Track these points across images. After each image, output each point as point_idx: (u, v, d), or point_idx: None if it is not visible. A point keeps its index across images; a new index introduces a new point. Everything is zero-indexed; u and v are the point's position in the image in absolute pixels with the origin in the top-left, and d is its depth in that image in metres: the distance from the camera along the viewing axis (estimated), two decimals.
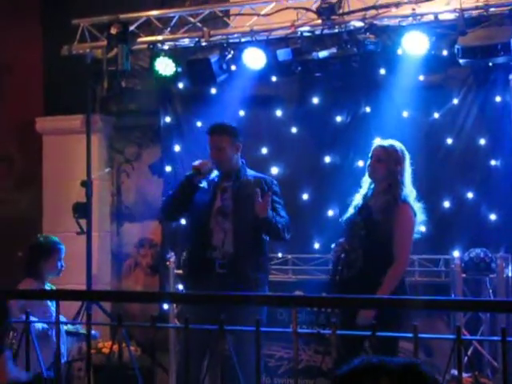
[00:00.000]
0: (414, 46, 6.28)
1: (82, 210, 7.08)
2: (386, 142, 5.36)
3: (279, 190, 5.62)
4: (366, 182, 5.38)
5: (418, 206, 5.28)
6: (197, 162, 5.41)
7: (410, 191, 5.27)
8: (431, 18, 6.27)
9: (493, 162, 6.43)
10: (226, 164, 5.47)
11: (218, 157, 5.45)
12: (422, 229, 6.47)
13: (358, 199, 5.35)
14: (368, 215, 5.20)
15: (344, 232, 5.34)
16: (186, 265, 5.60)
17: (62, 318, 5.13)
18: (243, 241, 5.33)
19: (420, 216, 5.29)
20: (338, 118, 6.95)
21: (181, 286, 6.58)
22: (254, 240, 5.41)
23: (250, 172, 5.65)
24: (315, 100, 7.01)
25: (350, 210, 5.34)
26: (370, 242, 5.15)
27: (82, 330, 5.73)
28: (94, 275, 7.26)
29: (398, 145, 5.33)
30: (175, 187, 5.63)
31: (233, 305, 4.64)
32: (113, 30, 6.76)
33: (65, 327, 5.53)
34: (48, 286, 5.77)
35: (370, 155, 5.33)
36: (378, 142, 5.44)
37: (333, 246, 5.37)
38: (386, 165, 5.23)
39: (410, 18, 6.32)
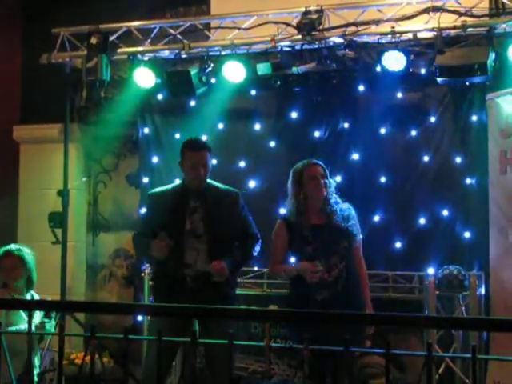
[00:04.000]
0: (393, 63, 6.32)
1: (58, 220, 7.05)
2: (315, 160, 5.44)
3: (244, 201, 5.59)
4: (292, 204, 5.37)
5: None
6: (157, 247, 5.19)
7: None
8: (410, 36, 6.32)
9: (468, 180, 6.48)
10: (204, 181, 5.41)
11: (203, 173, 5.34)
12: (398, 245, 6.55)
13: (313, 218, 5.35)
14: (338, 228, 5.23)
15: (311, 254, 5.29)
16: (156, 279, 5.54)
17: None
18: (217, 259, 5.29)
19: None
20: (316, 133, 6.98)
21: None
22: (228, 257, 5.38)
23: (213, 185, 5.50)
24: (294, 114, 7.05)
25: (307, 233, 5.31)
26: (348, 252, 5.22)
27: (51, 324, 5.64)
28: (69, 285, 7.23)
29: None
30: (146, 246, 5.27)
31: (207, 319, 4.63)
32: (93, 40, 6.76)
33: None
34: (29, 296, 5.71)
35: (308, 175, 5.31)
36: (307, 161, 5.42)
37: (309, 274, 5.26)
38: (328, 180, 5.35)
39: (389, 36, 6.36)
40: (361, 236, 5.43)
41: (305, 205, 5.31)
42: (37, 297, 5.76)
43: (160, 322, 4.78)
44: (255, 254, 5.54)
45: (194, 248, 5.27)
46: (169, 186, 5.61)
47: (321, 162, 5.42)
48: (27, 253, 5.70)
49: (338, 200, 5.37)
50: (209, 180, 5.45)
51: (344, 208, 5.34)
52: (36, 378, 5.59)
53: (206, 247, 5.28)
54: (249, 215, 5.53)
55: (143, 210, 5.63)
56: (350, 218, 5.30)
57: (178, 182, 5.75)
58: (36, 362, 5.58)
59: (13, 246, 5.77)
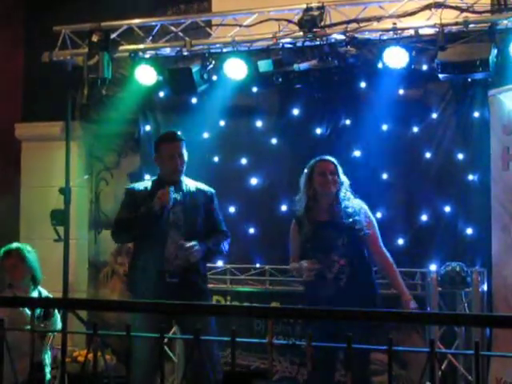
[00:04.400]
0: (394, 59, 6.32)
1: (60, 217, 7.04)
2: (328, 157, 5.47)
3: (218, 201, 5.62)
4: (303, 201, 5.41)
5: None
6: (160, 194, 5.28)
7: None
8: (412, 32, 6.31)
9: (470, 177, 6.47)
10: (182, 172, 5.42)
11: (180, 163, 5.38)
12: (400, 242, 6.55)
13: (319, 215, 5.36)
14: (338, 225, 5.23)
15: (310, 251, 5.31)
16: (134, 272, 5.44)
17: None
18: None
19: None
20: (318, 130, 6.98)
21: None
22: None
23: (189, 181, 5.54)
24: (295, 111, 7.04)
25: (308, 229, 5.33)
26: (352, 247, 5.20)
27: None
28: (71, 283, 7.22)
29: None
30: (134, 216, 5.31)
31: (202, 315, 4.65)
32: (94, 38, 6.75)
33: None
34: (37, 292, 5.70)
35: (318, 171, 5.36)
36: (320, 158, 5.47)
37: (305, 272, 5.29)
38: (338, 176, 5.36)
39: (391, 32, 6.36)
40: (375, 230, 5.39)
41: (314, 201, 5.35)
42: (45, 293, 5.75)
43: (143, 318, 4.74)
44: (225, 250, 5.57)
45: (174, 240, 5.28)
46: (146, 181, 5.62)
47: (332, 159, 5.44)
48: (28, 251, 5.70)
49: (350, 197, 5.36)
50: (184, 176, 5.50)
51: (350, 204, 5.33)
52: (49, 376, 5.58)
53: (183, 238, 5.29)
54: (221, 214, 5.60)
55: (122, 203, 5.51)
56: (354, 214, 5.28)
57: (148, 178, 5.71)
58: (47, 360, 5.57)
59: (13, 246, 5.77)
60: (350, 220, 5.26)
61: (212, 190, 5.56)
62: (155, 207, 5.20)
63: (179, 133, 5.62)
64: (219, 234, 5.51)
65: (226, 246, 5.53)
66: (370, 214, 5.41)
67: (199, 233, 5.37)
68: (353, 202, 5.36)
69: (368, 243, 5.32)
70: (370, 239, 5.33)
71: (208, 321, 5.06)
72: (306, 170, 5.47)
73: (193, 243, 5.24)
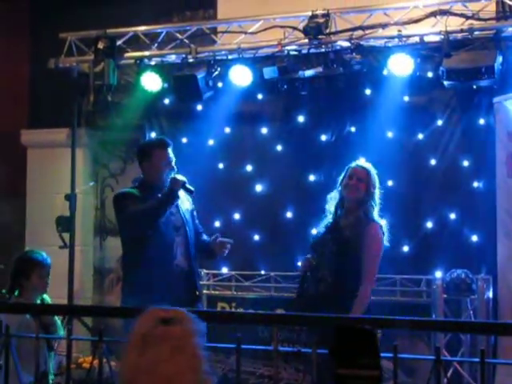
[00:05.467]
0: (400, 67, 6.33)
1: (65, 224, 7.05)
2: (366, 164, 5.43)
3: None
4: (334, 200, 5.40)
5: (384, 224, 5.33)
6: (179, 177, 5.29)
7: (378, 211, 5.34)
8: (417, 39, 6.32)
9: (475, 184, 6.47)
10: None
11: (174, 169, 5.37)
12: (405, 249, 6.54)
13: (328, 218, 5.39)
14: (338, 232, 5.23)
15: (312, 249, 5.34)
16: (135, 277, 5.31)
17: None
18: (192, 254, 5.34)
19: (386, 234, 5.32)
20: (323, 137, 6.98)
21: None
22: (196, 253, 5.44)
23: None
24: (300, 118, 7.05)
25: (320, 228, 5.38)
26: (340, 258, 5.16)
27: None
28: (76, 289, 7.23)
29: (373, 168, 5.42)
30: (153, 202, 5.24)
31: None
32: (100, 45, 6.78)
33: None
34: (38, 300, 5.68)
35: (348, 174, 5.34)
36: (357, 162, 5.47)
37: (300, 263, 5.40)
38: (366, 185, 5.29)
39: (396, 40, 6.37)
40: (366, 260, 5.17)
41: (341, 202, 5.34)
42: (48, 300, 5.70)
43: None
44: None
45: (174, 241, 5.29)
46: (130, 189, 5.51)
47: (369, 167, 5.37)
48: (37, 256, 5.63)
49: (371, 211, 5.24)
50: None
51: (364, 219, 5.23)
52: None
53: (183, 240, 5.30)
54: None
55: (123, 204, 5.41)
56: (358, 227, 5.18)
57: (130, 188, 5.55)
58: (51, 367, 5.55)
59: (42, 253, 5.73)
60: (348, 232, 5.20)
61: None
62: (174, 188, 5.19)
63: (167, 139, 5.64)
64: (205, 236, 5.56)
65: None
66: (378, 236, 5.21)
67: (193, 234, 5.40)
68: (369, 216, 5.24)
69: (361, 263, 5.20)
70: (362, 261, 5.19)
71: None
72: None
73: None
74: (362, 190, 5.27)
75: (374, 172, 5.36)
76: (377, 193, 5.33)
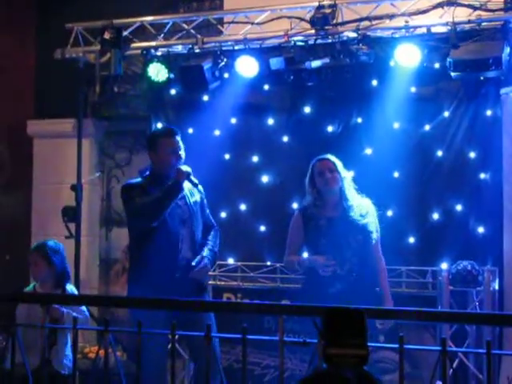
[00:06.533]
0: (407, 57, 6.31)
1: (72, 214, 7.07)
2: (327, 155, 5.53)
3: None
4: (310, 199, 5.48)
5: None
6: (184, 168, 5.28)
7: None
8: (424, 30, 6.30)
9: (482, 175, 6.45)
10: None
11: (181, 157, 5.35)
12: (411, 240, 6.53)
13: (318, 219, 5.37)
14: (353, 223, 5.25)
15: (324, 247, 5.31)
16: (139, 269, 5.30)
17: None
18: (198, 246, 5.33)
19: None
20: (330, 128, 6.97)
21: None
22: (202, 245, 5.41)
23: None
24: (307, 109, 7.04)
25: (320, 224, 5.35)
26: (364, 247, 5.21)
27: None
28: (82, 279, 7.25)
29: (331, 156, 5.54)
30: (158, 194, 5.21)
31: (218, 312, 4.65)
32: (106, 35, 6.77)
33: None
34: (59, 291, 5.66)
35: (317, 171, 5.43)
36: (318, 157, 5.56)
37: (322, 267, 5.31)
38: (339, 174, 5.41)
39: (403, 30, 6.35)
40: (379, 234, 5.44)
41: (320, 200, 5.38)
42: (70, 290, 5.66)
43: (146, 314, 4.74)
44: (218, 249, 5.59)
45: (180, 234, 5.28)
46: (137, 179, 5.47)
47: (330, 156, 5.50)
48: (52, 249, 5.62)
49: (356, 194, 5.39)
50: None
51: (363, 204, 5.35)
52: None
53: (189, 233, 5.29)
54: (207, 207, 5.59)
55: (127, 197, 5.37)
56: (368, 215, 5.30)
57: (138, 178, 5.52)
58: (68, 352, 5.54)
59: (37, 243, 5.74)
60: (365, 221, 5.27)
61: (200, 186, 5.53)
62: (178, 180, 5.19)
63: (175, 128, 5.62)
64: (213, 231, 5.51)
65: (218, 245, 5.55)
66: (376, 216, 5.46)
67: (200, 227, 5.39)
68: (361, 201, 5.37)
69: (373, 245, 5.35)
70: (376, 243, 5.36)
71: (210, 316, 5.07)
72: (309, 170, 5.50)
73: (202, 263, 5.25)
74: (338, 180, 5.39)
75: (336, 159, 5.49)
76: (348, 176, 5.47)
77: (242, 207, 7.12)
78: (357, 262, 5.21)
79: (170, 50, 7.14)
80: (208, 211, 5.55)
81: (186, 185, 5.36)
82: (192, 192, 5.41)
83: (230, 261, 7.03)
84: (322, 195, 5.40)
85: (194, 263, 5.24)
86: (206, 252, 5.31)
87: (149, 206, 5.17)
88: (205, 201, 5.52)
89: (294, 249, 5.50)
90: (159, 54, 7.16)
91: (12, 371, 3.74)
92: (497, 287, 6.17)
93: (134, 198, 5.25)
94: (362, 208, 5.34)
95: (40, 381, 3.83)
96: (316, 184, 5.42)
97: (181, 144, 5.38)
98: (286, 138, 7.11)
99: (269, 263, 6.93)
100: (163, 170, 5.35)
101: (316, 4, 6.40)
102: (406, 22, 6.28)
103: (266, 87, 7.11)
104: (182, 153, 5.37)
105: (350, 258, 5.20)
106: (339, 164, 5.46)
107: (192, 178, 5.37)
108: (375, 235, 5.38)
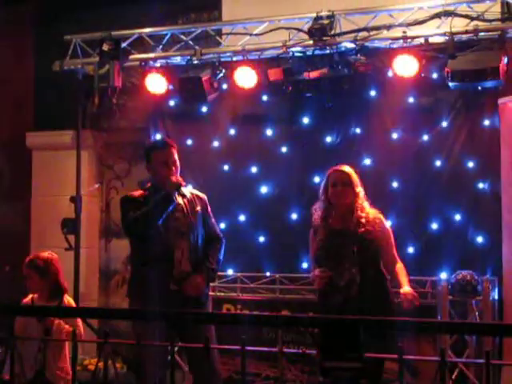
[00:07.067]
0: (404, 68, 6.33)
1: (71, 226, 7.07)
2: (344, 167, 5.38)
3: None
4: (320, 210, 5.37)
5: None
6: (174, 178, 5.27)
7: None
8: (421, 41, 6.31)
9: (480, 185, 6.46)
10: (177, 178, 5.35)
11: (175, 169, 5.33)
12: (410, 250, 6.53)
13: (321, 228, 5.35)
14: (350, 233, 5.20)
15: (323, 260, 5.29)
16: (137, 282, 5.30)
17: None
18: (198, 258, 5.32)
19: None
20: (328, 139, 6.98)
21: None
22: (204, 256, 5.38)
23: (186, 185, 5.52)
24: (305, 120, 7.05)
25: (321, 237, 5.32)
26: (362, 256, 5.16)
27: None
28: (82, 291, 7.24)
29: (350, 168, 5.39)
30: (149, 207, 5.19)
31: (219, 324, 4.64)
32: (105, 47, 6.79)
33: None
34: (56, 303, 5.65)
35: (331, 182, 5.28)
36: (335, 167, 5.39)
37: (314, 280, 5.28)
38: (352, 189, 5.27)
39: (401, 41, 6.36)
40: (386, 241, 5.27)
41: (329, 210, 5.33)
42: (67, 303, 5.64)
43: (148, 326, 4.72)
44: (222, 260, 5.51)
45: (178, 246, 5.27)
46: (140, 190, 5.49)
47: (346, 169, 5.35)
48: (42, 259, 5.62)
49: (365, 207, 5.29)
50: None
51: (364, 214, 5.27)
52: None
53: (188, 245, 5.29)
54: (213, 217, 5.54)
55: (124, 209, 5.38)
56: (367, 224, 5.24)
57: (139, 190, 5.53)
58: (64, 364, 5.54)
59: (30, 256, 5.73)
60: (363, 229, 5.22)
61: (205, 195, 5.53)
62: (172, 187, 5.17)
63: (169, 140, 5.61)
64: (216, 243, 5.46)
65: (222, 256, 5.49)
66: (386, 224, 5.35)
67: (200, 238, 5.36)
68: (368, 212, 5.31)
69: (382, 253, 5.26)
70: (384, 250, 5.27)
71: (210, 328, 5.06)
72: (324, 179, 5.44)
73: (195, 281, 5.23)
74: (349, 195, 5.26)
75: (353, 172, 5.33)
76: (362, 190, 5.33)
77: (241, 218, 7.13)
78: (357, 272, 5.17)
79: (169, 61, 7.16)
80: (213, 221, 5.53)
81: (185, 196, 5.36)
82: (193, 203, 5.40)
83: (230, 272, 7.03)
84: (333, 206, 5.35)
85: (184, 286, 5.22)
86: (201, 270, 5.29)
87: (139, 220, 5.19)
88: (208, 210, 5.51)
89: (313, 263, 5.47)
90: (158, 65, 7.18)
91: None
92: (496, 297, 6.18)
93: (128, 211, 5.27)
94: (364, 218, 5.28)
95: None
96: (328, 193, 5.37)
97: (175, 156, 5.37)
98: (284, 149, 7.12)
99: (268, 274, 6.93)
100: (157, 182, 5.36)
101: (314, 15, 6.42)
102: (404, 32, 6.29)
103: (265, 98, 7.14)
104: (176, 164, 5.36)
105: (348, 269, 5.17)
106: (354, 177, 5.32)
107: (187, 189, 5.38)
108: (380, 241, 5.26)
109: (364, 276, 5.14)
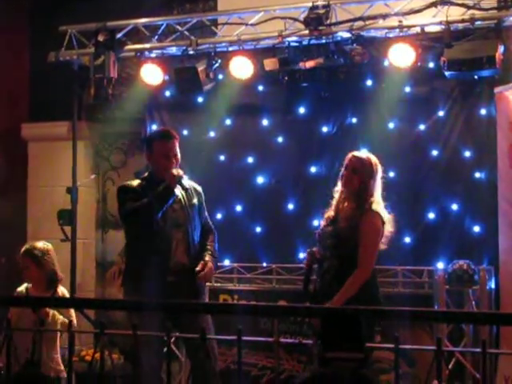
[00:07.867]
0: (401, 57, 6.31)
1: (67, 217, 7.07)
2: (363, 154, 5.26)
3: None
4: (338, 192, 5.24)
5: (387, 217, 5.13)
6: (175, 172, 5.25)
7: (377, 202, 5.11)
8: (418, 30, 6.30)
9: (477, 174, 6.46)
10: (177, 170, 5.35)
11: (176, 162, 5.33)
12: (407, 240, 6.53)
13: (330, 210, 5.28)
14: (335, 225, 5.14)
15: (318, 242, 5.27)
16: (133, 272, 5.32)
17: None
18: (194, 250, 5.31)
19: (389, 227, 5.14)
20: (324, 128, 6.97)
21: None
22: (200, 249, 5.39)
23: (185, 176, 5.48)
24: (301, 110, 7.04)
25: (323, 221, 5.30)
26: (338, 251, 5.07)
27: None
28: (78, 282, 7.24)
29: (374, 158, 5.19)
30: (149, 198, 5.17)
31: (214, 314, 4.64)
32: (100, 37, 6.77)
33: None
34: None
35: (344, 164, 5.18)
36: (353, 152, 5.26)
37: (303, 255, 5.34)
38: (361, 176, 5.10)
39: (397, 30, 6.35)
40: (367, 241, 5.04)
41: (340, 194, 5.21)
42: (61, 293, 5.62)
43: (144, 317, 4.72)
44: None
45: (173, 238, 5.26)
46: (137, 180, 5.47)
47: (363, 155, 5.20)
48: (41, 252, 5.60)
49: (370, 199, 5.06)
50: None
51: (351, 207, 5.14)
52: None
53: (184, 237, 5.28)
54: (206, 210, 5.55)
55: (122, 199, 5.35)
56: (353, 219, 5.03)
57: (136, 180, 5.52)
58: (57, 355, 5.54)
59: (26, 246, 5.71)
60: (342, 225, 5.07)
61: (200, 188, 5.52)
62: (170, 183, 5.16)
63: (172, 130, 5.60)
64: (211, 234, 5.47)
65: (217, 246, 5.51)
66: (371, 226, 5.03)
67: (197, 231, 5.36)
68: (353, 207, 5.11)
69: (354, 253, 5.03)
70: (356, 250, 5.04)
71: (207, 318, 5.07)
72: None
73: (207, 268, 5.22)
74: (355, 182, 5.08)
75: (372, 161, 5.14)
76: (374, 183, 5.11)
77: (238, 208, 7.12)
78: (332, 263, 5.07)
79: (164, 51, 7.14)
80: (206, 214, 5.54)
81: (184, 188, 5.36)
82: (190, 195, 5.40)
83: (226, 262, 7.02)
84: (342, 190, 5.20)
85: (197, 269, 5.21)
86: (207, 257, 5.29)
87: (138, 211, 5.18)
88: (204, 204, 5.51)
89: None
90: (153, 55, 7.16)
91: (8, 375, 3.73)
92: (493, 286, 6.18)
93: (126, 201, 5.25)
94: (351, 212, 5.11)
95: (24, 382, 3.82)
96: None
97: (177, 148, 5.36)
98: (280, 139, 7.11)
99: (265, 264, 6.93)
100: (157, 173, 5.34)
101: (310, 4, 6.40)
102: (400, 21, 6.28)
103: (261, 88, 7.12)
104: (177, 157, 5.35)
105: (329, 258, 5.09)
106: (367, 166, 5.10)
107: (183, 182, 5.37)
108: (346, 243, 5.02)
109: (341, 268, 5.02)
